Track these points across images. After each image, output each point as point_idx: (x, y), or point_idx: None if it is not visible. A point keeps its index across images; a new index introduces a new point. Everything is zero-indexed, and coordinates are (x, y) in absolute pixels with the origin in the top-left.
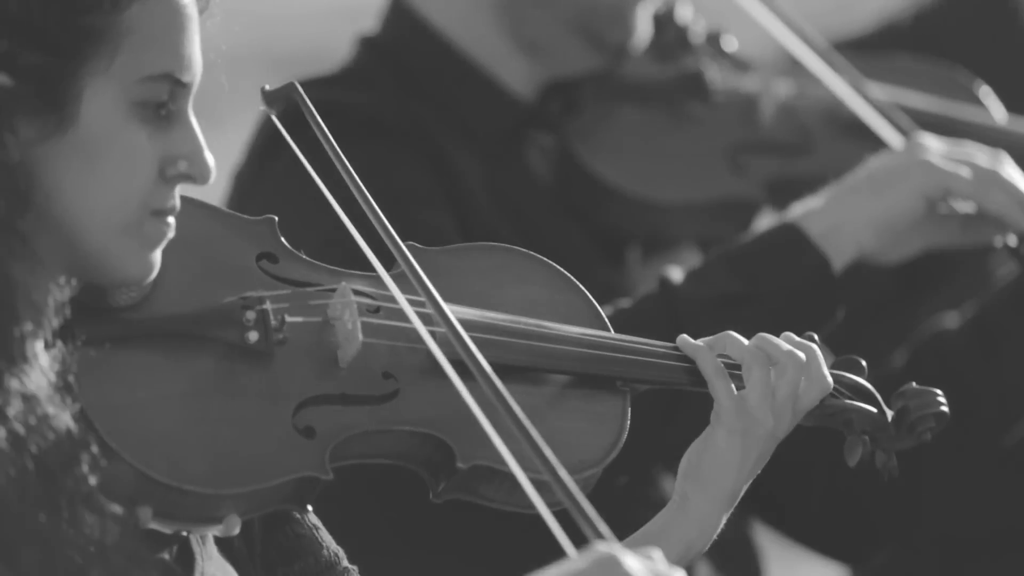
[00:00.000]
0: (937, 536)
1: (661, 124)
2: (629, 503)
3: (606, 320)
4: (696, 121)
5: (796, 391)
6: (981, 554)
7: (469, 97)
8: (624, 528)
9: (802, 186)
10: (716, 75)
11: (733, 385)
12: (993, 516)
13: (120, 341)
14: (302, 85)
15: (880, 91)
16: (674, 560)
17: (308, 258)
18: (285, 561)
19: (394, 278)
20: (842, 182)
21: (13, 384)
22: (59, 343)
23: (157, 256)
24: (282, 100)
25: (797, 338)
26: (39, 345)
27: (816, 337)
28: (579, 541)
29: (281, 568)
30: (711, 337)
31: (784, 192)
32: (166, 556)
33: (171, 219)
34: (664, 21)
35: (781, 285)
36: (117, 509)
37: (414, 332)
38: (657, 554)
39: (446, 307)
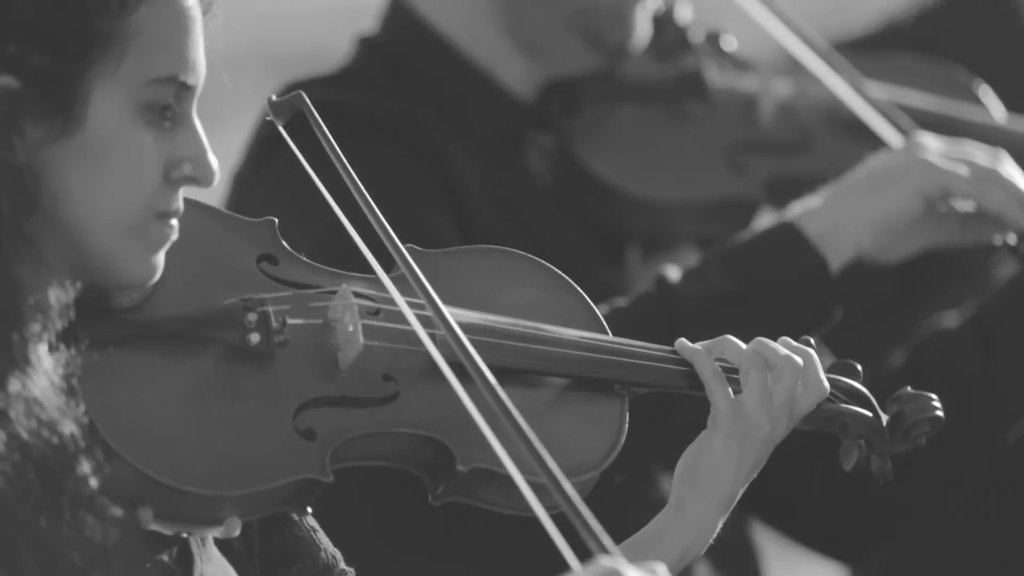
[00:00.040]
0: (937, 536)
1: (660, 124)
2: (629, 502)
3: (604, 323)
4: (695, 121)
5: (793, 396)
6: (981, 554)
7: (468, 97)
8: (623, 527)
9: (801, 185)
10: (715, 75)
11: (730, 389)
12: (993, 516)
13: (121, 342)
14: (300, 85)
15: (879, 90)
16: (671, 564)
17: (308, 260)
18: (283, 563)
19: (393, 280)
20: (841, 182)
21: (16, 387)
22: (62, 346)
23: (161, 258)
24: (289, 110)
25: (794, 343)
26: (43, 348)
27: (812, 341)
28: (577, 545)
29: (279, 570)
30: (709, 341)
31: (783, 191)
32: (165, 558)
33: (175, 221)
34: (663, 21)
35: (777, 284)
36: (118, 512)
37: (414, 334)
38: (661, 568)
39: (445, 310)
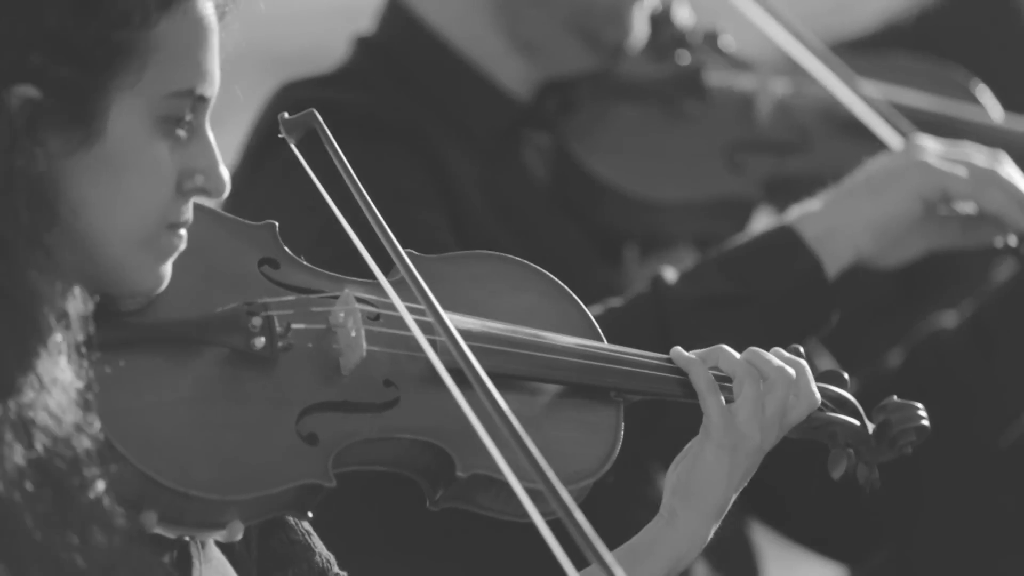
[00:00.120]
0: (936, 536)
1: (658, 123)
2: (627, 502)
3: (599, 330)
4: (693, 120)
5: (785, 407)
6: (980, 554)
7: (465, 96)
8: (621, 526)
9: (799, 185)
10: (712, 74)
11: (723, 398)
12: (992, 516)
13: (125, 346)
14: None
15: (877, 90)
16: (663, 574)
17: (308, 264)
18: (279, 567)
19: (393, 285)
20: (840, 185)
21: (34, 399)
22: (78, 357)
23: (168, 268)
24: (301, 128)
25: (787, 353)
26: (63, 360)
27: (802, 350)
28: (573, 551)
29: (275, 574)
30: (703, 350)
31: (781, 191)
32: (166, 560)
33: (183, 231)
34: (661, 20)
35: (772, 287)
36: (123, 520)
37: (414, 340)
38: None
39: (445, 316)
